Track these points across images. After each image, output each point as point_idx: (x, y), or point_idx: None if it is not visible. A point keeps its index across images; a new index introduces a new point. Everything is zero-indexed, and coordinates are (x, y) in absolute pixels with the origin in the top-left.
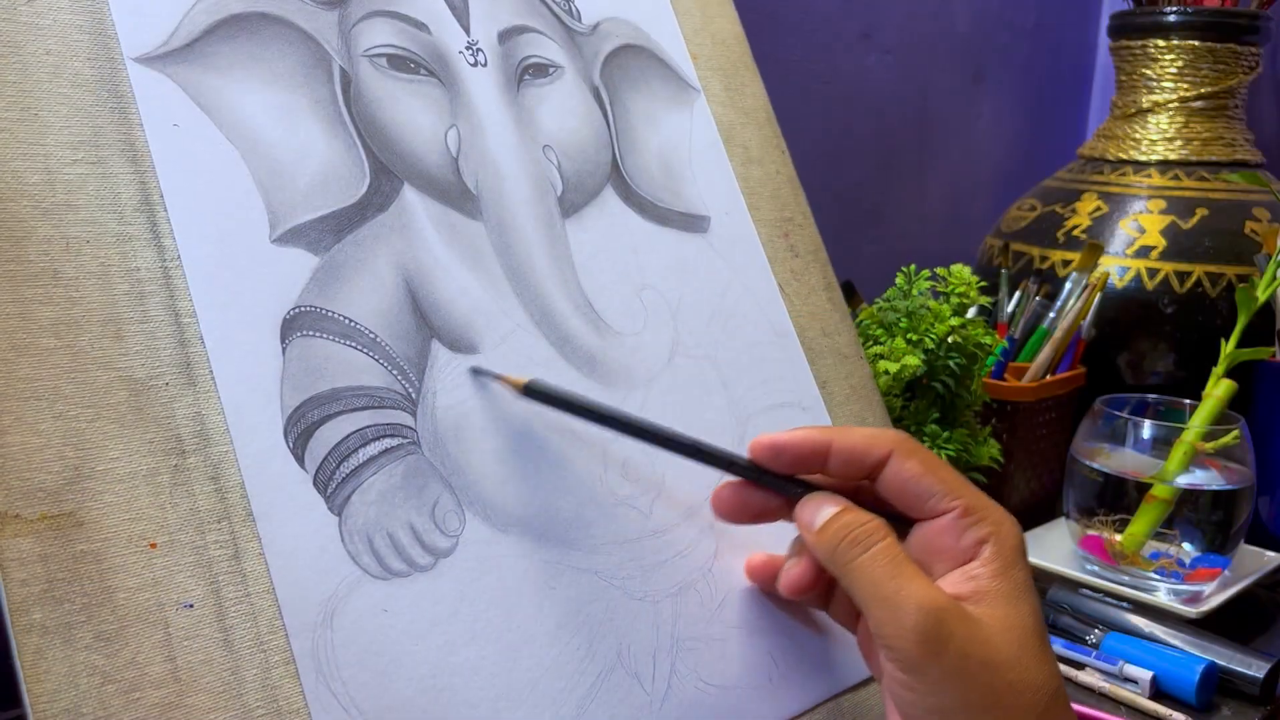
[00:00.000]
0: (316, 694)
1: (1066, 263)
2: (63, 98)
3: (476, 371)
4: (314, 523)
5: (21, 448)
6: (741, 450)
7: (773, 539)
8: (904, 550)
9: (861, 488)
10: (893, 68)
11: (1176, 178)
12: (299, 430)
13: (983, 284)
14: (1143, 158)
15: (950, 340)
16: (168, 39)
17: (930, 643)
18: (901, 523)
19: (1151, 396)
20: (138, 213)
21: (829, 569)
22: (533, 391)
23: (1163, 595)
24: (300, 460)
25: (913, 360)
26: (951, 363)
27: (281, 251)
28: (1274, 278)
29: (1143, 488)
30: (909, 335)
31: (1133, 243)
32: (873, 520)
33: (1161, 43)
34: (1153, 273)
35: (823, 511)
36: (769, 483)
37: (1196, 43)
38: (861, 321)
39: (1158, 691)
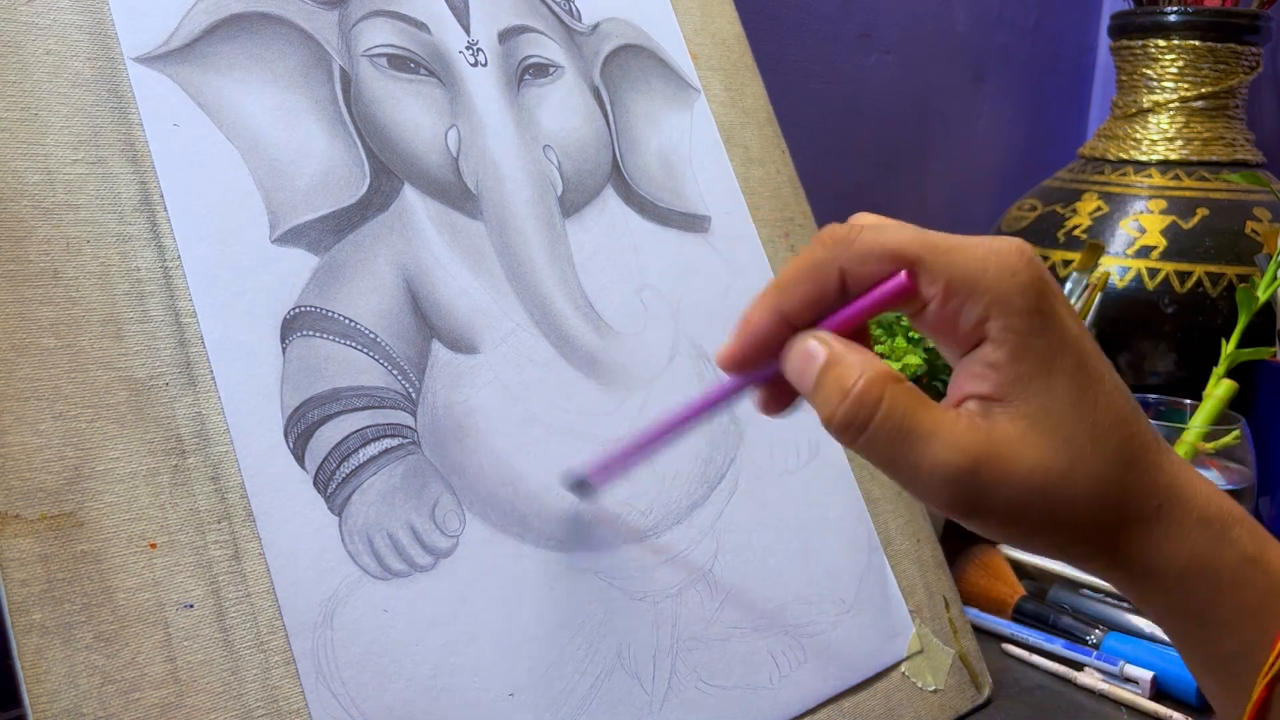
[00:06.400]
0: (316, 694)
1: (1067, 263)
2: (63, 98)
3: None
4: (314, 523)
5: (21, 448)
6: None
7: (773, 537)
8: (910, 399)
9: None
10: (893, 68)
11: (1177, 178)
12: (299, 430)
13: None
14: (1143, 158)
15: None
16: (168, 39)
17: (969, 507)
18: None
19: (1152, 396)
20: (138, 213)
21: None
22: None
23: None
24: (300, 460)
25: (914, 359)
26: None
27: (281, 251)
28: (1275, 278)
29: None
30: (910, 334)
31: (1133, 243)
32: (860, 383)
33: (1162, 42)
34: (1153, 273)
35: (807, 372)
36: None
37: (1197, 42)
38: None
39: (1158, 692)
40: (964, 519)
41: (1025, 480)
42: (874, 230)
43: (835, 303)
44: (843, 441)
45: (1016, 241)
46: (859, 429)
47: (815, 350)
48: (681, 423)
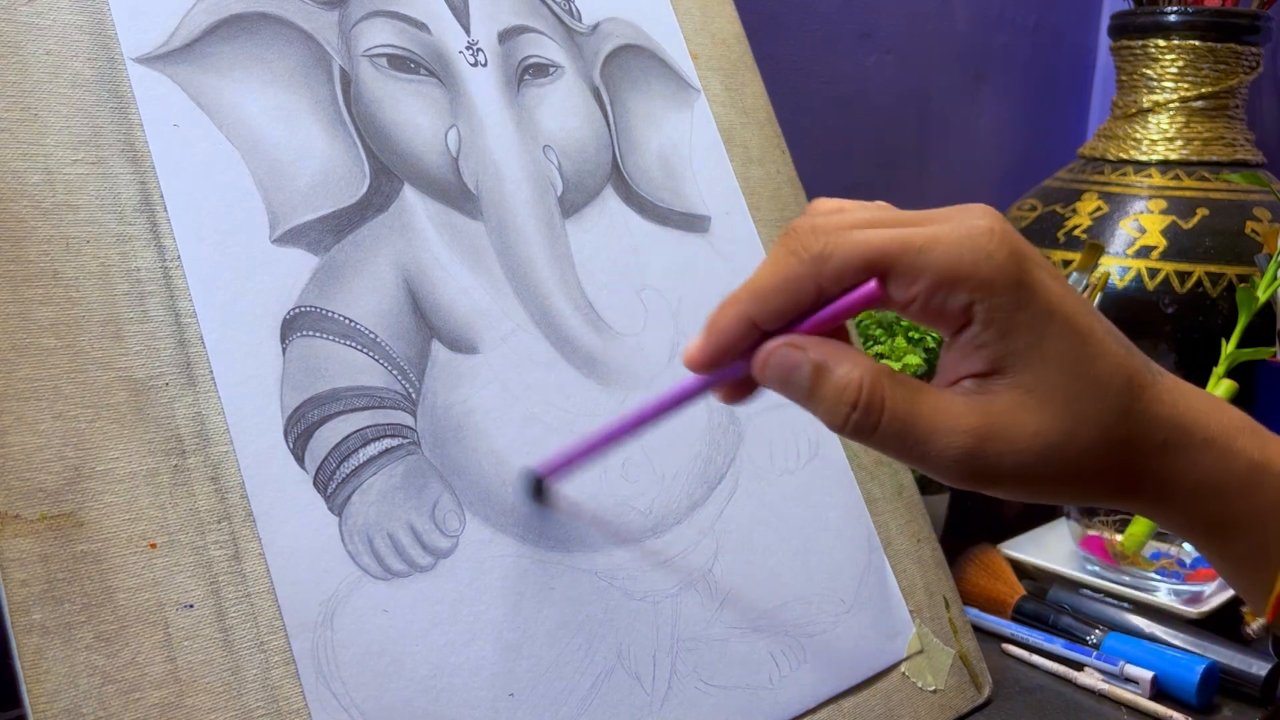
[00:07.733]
0: (316, 694)
1: (1067, 263)
2: (63, 98)
3: None
4: (314, 523)
5: (21, 448)
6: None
7: (773, 537)
8: (909, 391)
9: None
10: (893, 68)
11: (1177, 178)
12: (299, 430)
13: None
14: (1143, 158)
15: None
16: (168, 39)
17: (981, 480)
18: None
19: None
20: (138, 213)
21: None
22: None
23: (1163, 595)
24: (300, 460)
25: (914, 359)
26: None
27: (281, 251)
28: (1274, 278)
29: None
30: (910, 334)
31: (1133, 243)
32: (865, 391)
33: (1162, 42)
34: (1153, 273)
35: (793, 380)
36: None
37: (1197, 42)
38: (862, 321)
39: (1158, 692)
40: (980, 489)
41: (1030, 445)
42: (847, 237)
43: (807, 311)
44: (853, 440)
45: (985, 218)
46: (869, 431)
47: (800, 359)
48: (642, 421)
